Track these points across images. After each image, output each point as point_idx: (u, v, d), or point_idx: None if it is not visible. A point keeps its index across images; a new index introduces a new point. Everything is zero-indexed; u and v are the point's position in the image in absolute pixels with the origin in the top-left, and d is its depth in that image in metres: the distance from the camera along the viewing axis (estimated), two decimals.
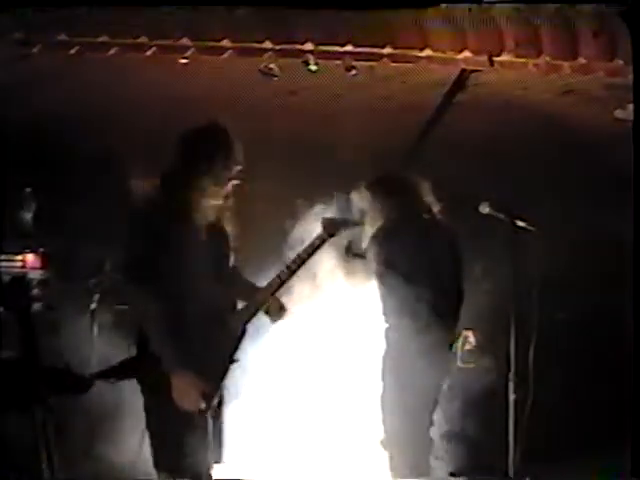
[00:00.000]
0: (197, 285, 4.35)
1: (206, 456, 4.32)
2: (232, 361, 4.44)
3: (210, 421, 4.36)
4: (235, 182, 4.50)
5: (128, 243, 4.32)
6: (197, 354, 4.26)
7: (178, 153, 4.50)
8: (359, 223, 5.55)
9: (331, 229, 4.77)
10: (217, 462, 4.43)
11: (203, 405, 4.23)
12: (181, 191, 4.39)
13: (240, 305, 4.57)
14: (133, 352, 4.40)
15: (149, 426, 4.37)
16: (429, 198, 5.71)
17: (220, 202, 4.49)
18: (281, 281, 4.57)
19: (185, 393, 4.19)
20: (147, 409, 4.36)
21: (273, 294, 4.59)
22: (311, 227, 5.18)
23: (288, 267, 4.61)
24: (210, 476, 4.39)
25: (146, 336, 4.26)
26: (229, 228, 4.61)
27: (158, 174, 4.53)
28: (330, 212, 5.45)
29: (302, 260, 4.64)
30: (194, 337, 4.30)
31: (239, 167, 4.51)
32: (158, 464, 4.35)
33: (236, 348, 4.45)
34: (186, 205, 4.38)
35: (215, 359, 4.37)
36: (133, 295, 4.27)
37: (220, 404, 4.57)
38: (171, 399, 4.20)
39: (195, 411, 4.22)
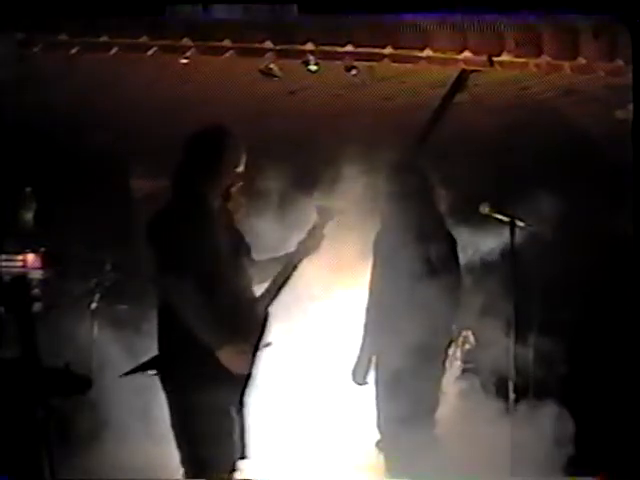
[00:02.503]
0: (223, 279, 4.49)
1: (233, 451, 4.43)
2: (266, 345, 4.56)
3: (237, 416, 4.47)
4: (238, 184, 4.57)
5: (160, 242, 4.38)
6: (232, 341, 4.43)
7: (184, 156, 4.54)
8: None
9: (325, 216, 4.81)
10: (243, 457, 4.48)
11: (251, 369, 4.42)
12: (194, 193, 4.49)
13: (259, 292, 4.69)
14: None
15: (178, 423, 4.44)
16: (440, 194, 5.62)
17: (227, 202, 4.57)
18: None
19: (237, 358, 4.37)
20: (177, 406, 4.44)
21: (288, 278, 4.70)
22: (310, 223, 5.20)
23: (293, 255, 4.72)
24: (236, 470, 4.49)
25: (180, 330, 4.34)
26: (239, 226, 4.72)
27: (159, 174, 4.54)
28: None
29: (305, 248, 4.74)
30: (228, 326, 4.43)
31: (241, 169, 4.56)
32: (185, 460, 4.45)
33: (262, 333, 4.55)
34: (202, 207, 4.48)
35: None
36: (176, 287, 4.34)
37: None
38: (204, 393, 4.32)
39: (245, 374, 4.40)
